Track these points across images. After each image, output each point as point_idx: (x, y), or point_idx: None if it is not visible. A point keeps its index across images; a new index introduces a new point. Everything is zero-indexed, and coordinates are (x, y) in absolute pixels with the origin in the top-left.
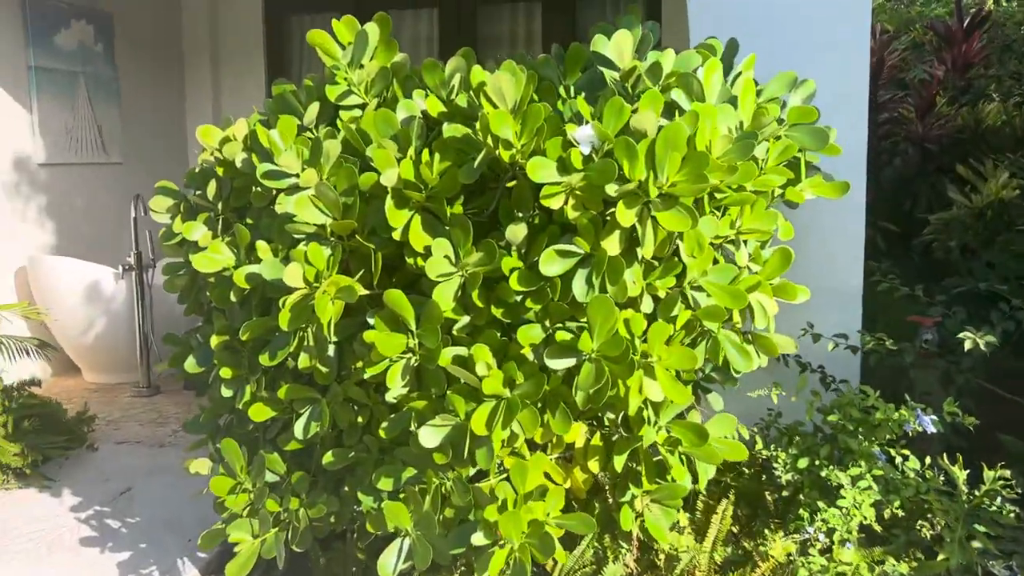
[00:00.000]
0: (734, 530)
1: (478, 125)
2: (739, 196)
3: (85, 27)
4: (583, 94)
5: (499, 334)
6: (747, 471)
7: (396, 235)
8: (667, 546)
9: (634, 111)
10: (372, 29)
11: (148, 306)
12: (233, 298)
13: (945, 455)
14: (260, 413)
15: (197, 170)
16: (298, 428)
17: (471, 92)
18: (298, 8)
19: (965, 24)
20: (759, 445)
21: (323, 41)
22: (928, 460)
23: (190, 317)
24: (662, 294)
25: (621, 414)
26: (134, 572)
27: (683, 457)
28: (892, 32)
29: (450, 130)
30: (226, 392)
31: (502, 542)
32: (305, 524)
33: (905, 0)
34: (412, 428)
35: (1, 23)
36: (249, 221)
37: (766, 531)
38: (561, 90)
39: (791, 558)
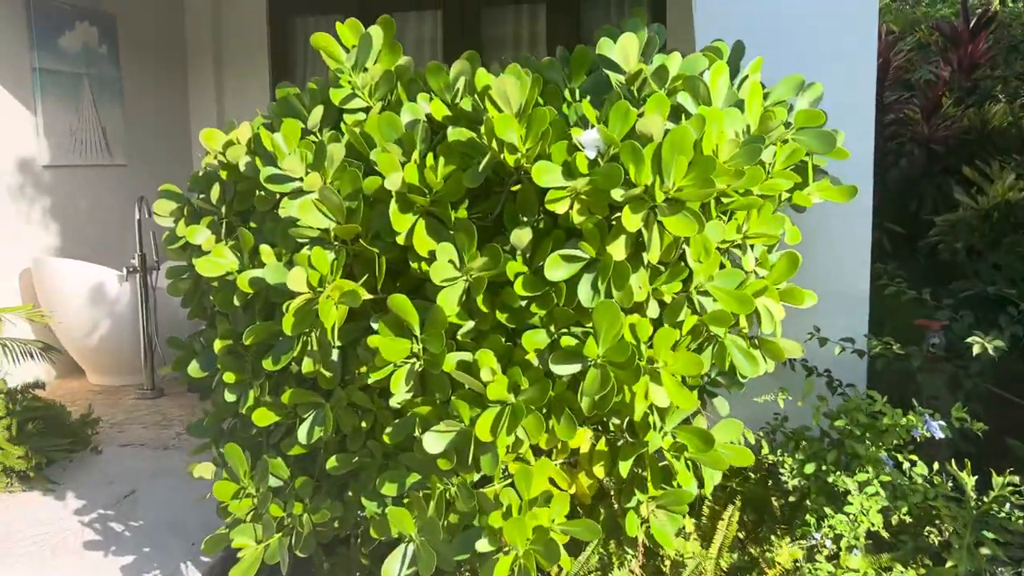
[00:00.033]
0: (740, 536)
1: (483, 129)
2: (746, 200)
3: (89, 29)
4: (588, 97)
5: (504, 339)
6: (753, 476)
7: (400, 239)
8: (673, 552)
9: (640, 115)
10: (376, 32)
11: (152, 308)
12: (236, 302)
13: (953, 460)
14: (264, 418)
15: (200, 174)
16: (302, 433)
17: (476, 95)
18: (302, 10)
19: (971, 25)
20: (765, 450)
21: (327, 44)
22: (936, 466)
23: (194, 320)
24: (668, 299)
25: (627, 419)
26: None
27: (689, 462)
28: (897, 33)
29: (455, 134)
30: (229, 397)
31: (507, 548)
32: (308, 529)
33: (910, 0)
34: (416, 433)
35: (5, 25)
36: (253, 225)
37: (772, 537)
38: (566, 93)
39: (798, 564)
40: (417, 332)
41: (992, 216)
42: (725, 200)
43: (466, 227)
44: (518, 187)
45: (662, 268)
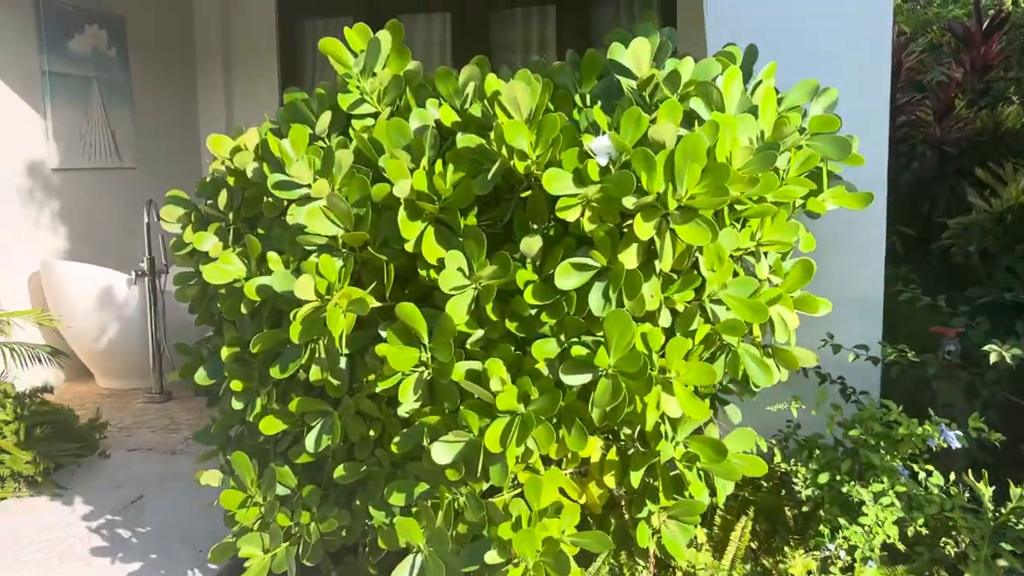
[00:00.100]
0: (753, 546)
1: (492, 135)
2: (760, 208)
3: (98, 32)
4: (599, 103)
5: (513, 348)
6: (765, 484)
7: (409, 247)
8: (684, 563)
9: (652, 121)
10: (384, 37)
11: (161, 312)
12: (244, 310)
13: (970, 471)
14: (271, 426)
15: (208, 179)
16: (309, 441)
17: (485, 101)
18: (311, 12)
19: (984, 26)
20: (778, 458)
21: (335, 49)
22: (952, 476)
23: (203, 325)
24: (680, 308)
25: (638, 428)
26: None
27: (701, 472)
28: (909, 34)
29: (464, 140)
30: (236, 404)
31: (516, 560)
32: (316, 538)
33: (922, 1)
34: (425, 443)
35: (15, 28)
36: (260, 231)
37: (786, 548)
38: (577, 98)
39: None
40: (425, 341)
41: (1006, 219)
42: (739, 207)
43: (475, 235)
44: (528, 193)
45: (674, 276)
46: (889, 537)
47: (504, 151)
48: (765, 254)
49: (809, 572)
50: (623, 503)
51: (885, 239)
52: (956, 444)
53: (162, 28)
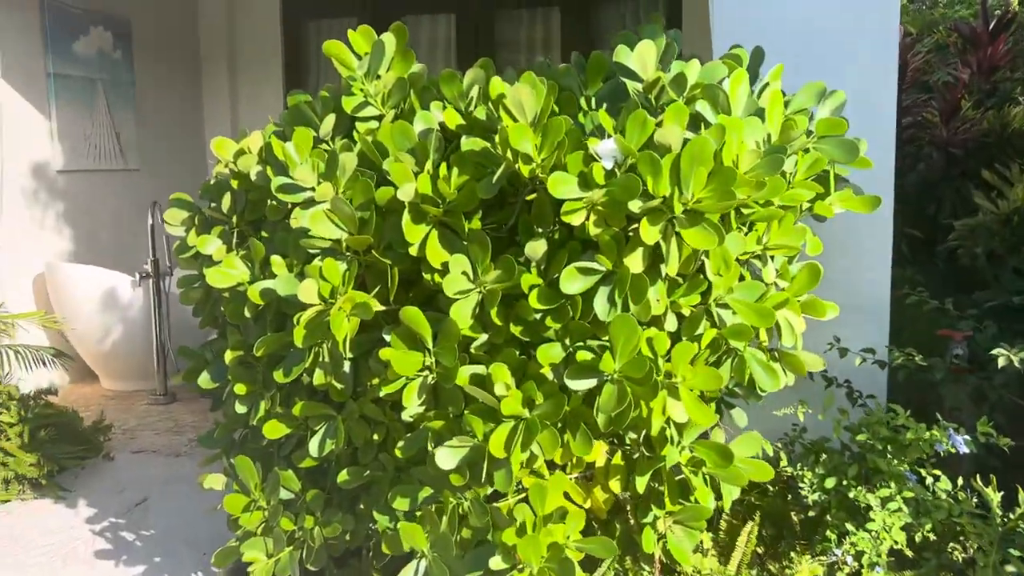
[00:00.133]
0: (759, 551)
1: (497, 139)
2: (767, 212)
3: (103, 34)
4: (605, 105)
5: (518, 353)
6: (771, 488)
7: (413, 251)
8: (690, 568)
9: (658, 124)
10: (389, 39)
11: (165, 313)
12: (247, 313)
13: (978, 475)
14: (275, 430)
15: (212, 182)
16: (313, 445)
17: (490, 104)
18: (316, 14)
19: (991, 27)
20: (784, 462)
21: (339, 52)
22: (960, 481)
23: (206, 327)
24: (686, 312)
25: (643, 433)
26: None
27: (707, 477)
28: (915, 34)
29: (468, 144)
30: (240, 408)
31: (521, 566)
32: (320, 543)
33: (928, 2)
34: (429, 448)
35: (20, 30)
36: (264, 235)
37: (792, 553)
38: (582, 101)
39: None
40: (430, 345)
41: (1012, 220)
42: (745, 211)
43: (480, 238)
44: (533, 197)
45: (680, 280)
46: (897, 543)
47: (509, 154)
48: (772, 258)
49: None
50: (628, 508)
51: (892, 242)
52: (964, 449)
53: (167, 30)
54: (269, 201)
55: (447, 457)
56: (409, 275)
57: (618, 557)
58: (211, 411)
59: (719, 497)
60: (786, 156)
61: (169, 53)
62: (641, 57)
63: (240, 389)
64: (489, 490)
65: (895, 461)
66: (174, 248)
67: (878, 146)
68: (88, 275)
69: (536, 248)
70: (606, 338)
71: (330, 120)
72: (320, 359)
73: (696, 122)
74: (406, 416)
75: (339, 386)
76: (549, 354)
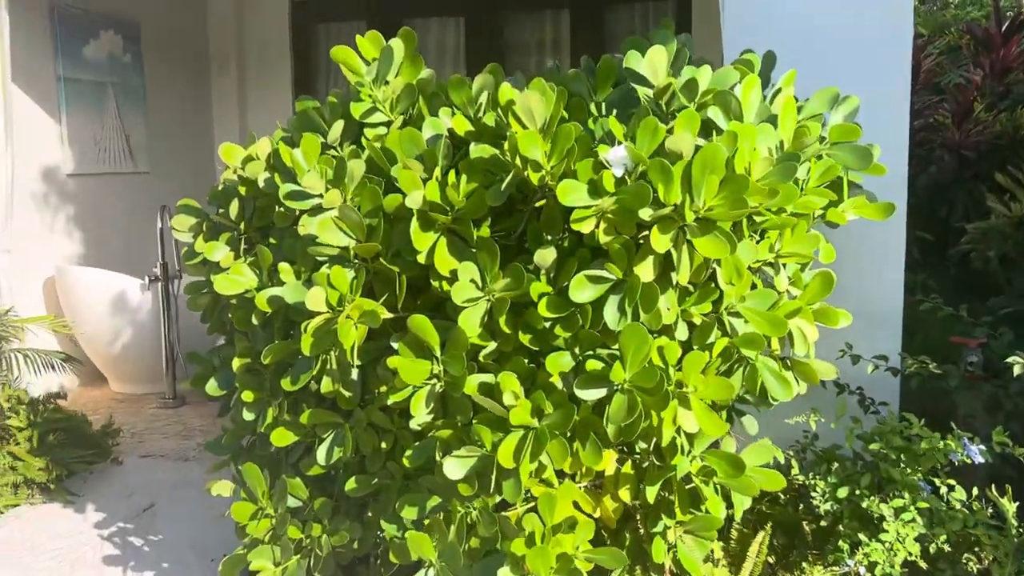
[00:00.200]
0: (770, 560)
1: (506, 145)
2: (779, 219)
3: (113, 37)
4: (615, 111)
5: (527, 361)
6: (783, 497)
7: (421, 258)
8: None
9: (669, 131)
10: (397, 45)
11: (174, 317)
12: (255, 321)
13: (993, 486)
14: (282, 438)
15: (220, 188)
16: (321, 453)
17: (499, 110)
18: (325, 17)
19: (1003, 28)
20: (795, 470)
21: (347, 57)
22: (975, 491)
23: (214, 333)
24: (698, 321)
25: (653, 442)
26: None
27: (718, 487)
28: (927, 36)
29: (477, 151)
30: (248, 416)
31: None
32: (327, 551)
33: (939, 3)
34: (437, 457)
35: (30, 34)
36: (272, 241)
37: (804, 563)
38: (592, 107)
39: None
40: (438, 353)
41: None
42: (758, 219)
43: (488, 246)
44: (542, 204)
45: (691, 289)
46: (911, 554)
47: (518, 161)
48: (784, 265)
49: None
50: (638, 517)
51: (905, 248)
52: (980, 459)
53: (176, 33)
54: (277, 208)
55: (455, 467)
56: (417, 282)
57: (628, 567)
58: (219, 417)
59: (730, 506)
60: (799, 163)
61: (178, 56)
62: (652, 62)
63: (248, 396)
64: (498, 499)
65: (909, 470)
66: (182, 254)
67: (891, 152)
68: (97, 278)
69: (545, 256)
70: (616, 347)
71: (338, 126)
72: (328, 367)
73: (708, 129)
74: (414, 425)
75: (347, 394)
76: (558, 363)
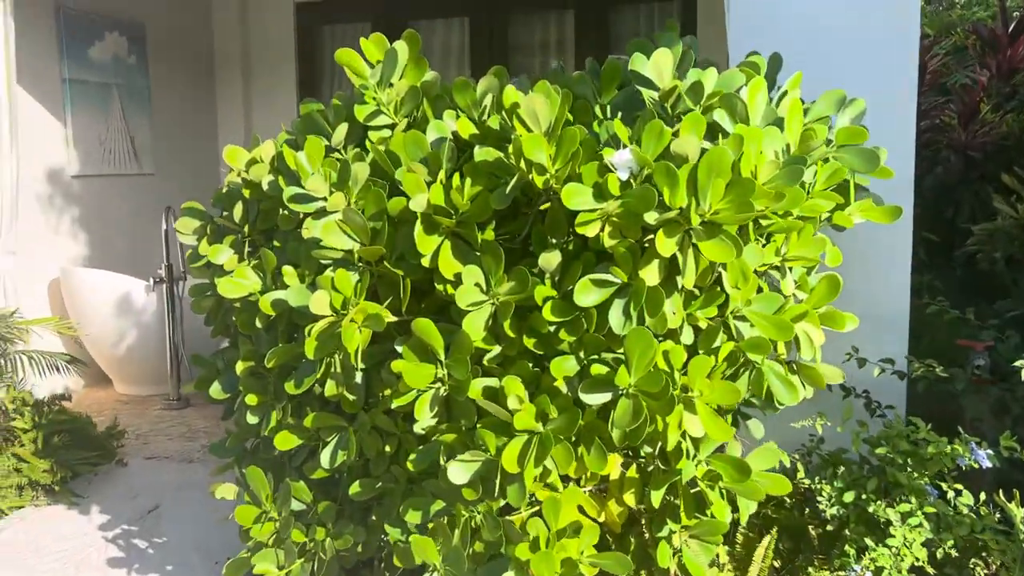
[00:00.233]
0: (776, 565)
1: (511, 149)
2: (786, 223)
3: (119, 39)
4: (620, 114)
5: (532, 365)
6: (788, 501)
7: (425, 262)
8: None
9: (674, 134)
10: (401, 47)
11: (179, 318)
12: (259, 324)
13: (1001, 490)
14: (286, 441)
15: (224, 191)
16: (324, 457)
17: (504, 113)
18: (329, 19)
19: (1010, 29)
20: (801, 473)
21: (351, 60)
22: (982, 495)
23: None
24: (703, 325)
25: (659, 446)
26: None
27: (723, 491)
28: (933, 36)
29: (482, 154)
30: (251, 419)
31: None
32: (331, 555)
33: (945, 3)
34: (441, 461)
35: (36, 36)
36: (276, 244)
37: (810, 568)
38: (597, 109)
39: None
40: (442, 357)
41: None
42: (764, 222)
43: (493, 249)
44: (547, 207)
45: (697, 293)
46: (918, 559)
47: (522, 165)
48: (790, 269)
49: None
50: (643, 521)
51: (911, 250)
52: (987, 463)
53: (181, 35)
54: (281, 211)
55: (459, 472)
56: (421, 286)
57: (633, 572)
58: (223, 419)
59: (735, 510)
60: (806, 166)
61: (183, 57)
62: (657, 65)
63: (251, 399)
64: (502, 503)
65: (916, 475)
66: (186, 257)
67: (898, 155)
68: (102, 280)
69: (550, 259)
70: (621, 351)
71: (342, 129)
72: (332, 370)
73: (713, 132)
74: (418, 428)
75: (351, 397)
76: (563, 367)
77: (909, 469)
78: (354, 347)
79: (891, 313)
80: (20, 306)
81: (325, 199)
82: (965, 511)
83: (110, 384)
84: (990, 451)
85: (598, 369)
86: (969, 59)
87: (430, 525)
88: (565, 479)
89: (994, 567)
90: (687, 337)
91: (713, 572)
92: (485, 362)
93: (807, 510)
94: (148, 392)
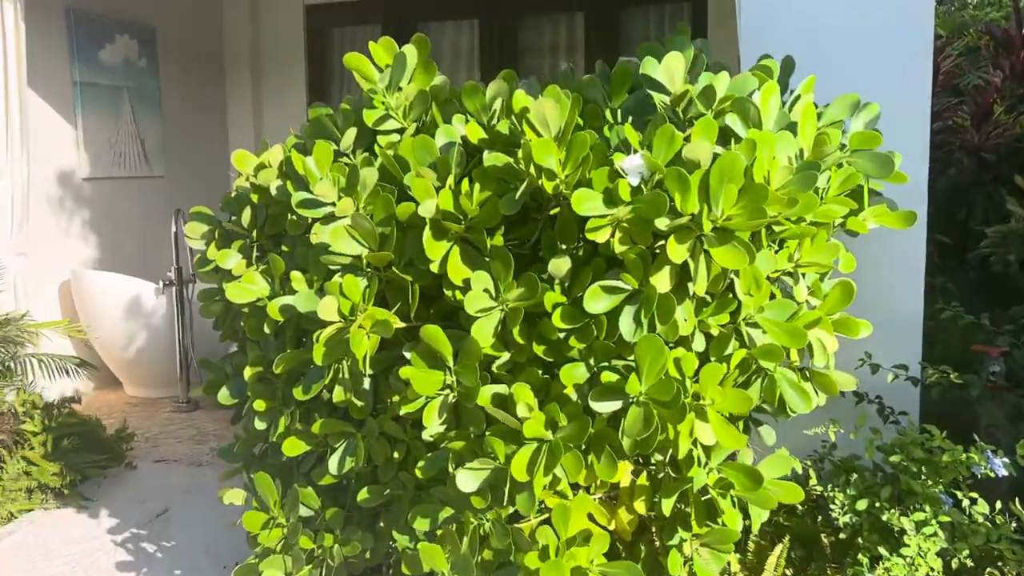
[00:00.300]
0: (788, 573)
1: (520, 153)
2: (799, 229)
3: (129, 42)
4: (630, 118)
5: (541, 372)
6: (801, 508)
7: (434, 267)
8: None
9: (686, 139)
10: (410, 51)
11: (188, 321)
12: (267, 329)
13: (1017, 499)
14: (294, 447)
15: (232, 195)
16: (332, 463)
17: (513, 118)
18: (339, 21)
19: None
20: (813, 480)
21: (359, 64)
22: (998, 504)
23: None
24: (715, 332)
25: (669, 453)
26: None
27: (735, 499)
28: (945, 37)
29: (491, 159)
30: (259, 425)
31: None
32: (339, 561)
33: (957, 3)
34: (450, 468)
35: (47, 39)
36: (284, 249)
37: None
38: (607, 114)
39: None
40: (451, 363)
41: None
42: (777, 228)
43: (502, 255)
44: (556, 212)
45: (708, 299)
46: (932, 569)
47: (532, 170)
48: (803, 275)
49: None
50: (654, 529)
51: (925, 256)
52: (1003, 472)
53: (192, 38)
54: (289, 215)
55: (468, 480)
56: (430, 292)
57: None
58: (232, 424)
59: (747, 518)
60: (819, 172)
61: (193, 60)
62: (668, 69)
63: (259, 405)
64: (511, 510)
65: (930, 483)
66: (195, 261)
67: (912, 159)
68: (112, 282)
69: (560, 265)
70: (632, 359)
71: (351, 133)
72: (340, 376)
73: (726, 136)
74: (426, 435)
75: (359, 403)
76: (573, 374)
77: (923, 477)
78: (362, 353)
79: (905, 319)
80: (31, 308)
81: (334, 204)
82: (980, 520)
83: (120, 386)
84: (1006, 459)
85: (608, 377)
86: (982, 60)
87: (438, 532)
88: (575, 486)
89: None
90: (699, 344)
91: None
92: (494, 369)
93: (819, 518)
94: (158, 395)
